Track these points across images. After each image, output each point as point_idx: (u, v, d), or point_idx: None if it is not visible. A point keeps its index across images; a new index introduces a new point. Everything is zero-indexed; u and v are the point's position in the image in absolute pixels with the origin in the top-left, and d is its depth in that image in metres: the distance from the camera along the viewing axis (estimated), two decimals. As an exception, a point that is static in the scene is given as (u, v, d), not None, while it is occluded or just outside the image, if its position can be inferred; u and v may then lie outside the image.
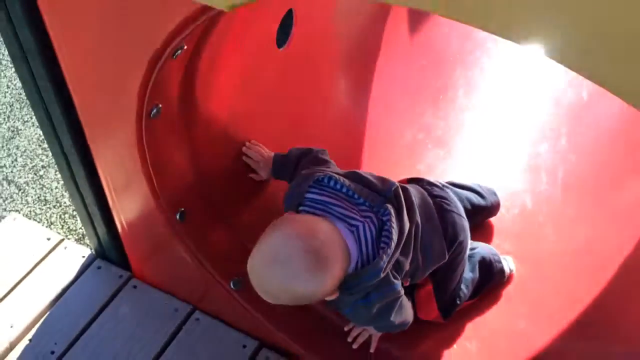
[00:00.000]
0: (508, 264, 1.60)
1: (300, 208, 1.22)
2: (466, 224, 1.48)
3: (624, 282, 1.44)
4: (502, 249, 1.64)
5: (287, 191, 1.30)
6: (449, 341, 1.49)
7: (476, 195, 1.66)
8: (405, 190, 1.31)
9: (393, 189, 1.25)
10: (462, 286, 1.49)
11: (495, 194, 1.72)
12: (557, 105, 1.97)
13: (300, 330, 1.52)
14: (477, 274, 1.52)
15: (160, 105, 1.17)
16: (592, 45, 0.63)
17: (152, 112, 1.16)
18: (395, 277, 1.25)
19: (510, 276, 1.60)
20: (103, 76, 1.18)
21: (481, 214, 1.68)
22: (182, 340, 1.58)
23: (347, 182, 1.24)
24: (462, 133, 1.95)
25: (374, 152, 1.87)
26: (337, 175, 1.25)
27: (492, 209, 1.71)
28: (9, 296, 1.66)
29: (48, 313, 1.63)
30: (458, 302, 1.48)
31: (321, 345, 1.51)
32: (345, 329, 1.48)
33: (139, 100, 1.13)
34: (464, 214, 1.49)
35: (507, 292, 1.58)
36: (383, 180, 1.29)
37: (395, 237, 1.20)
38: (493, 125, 1.97)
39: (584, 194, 1.71)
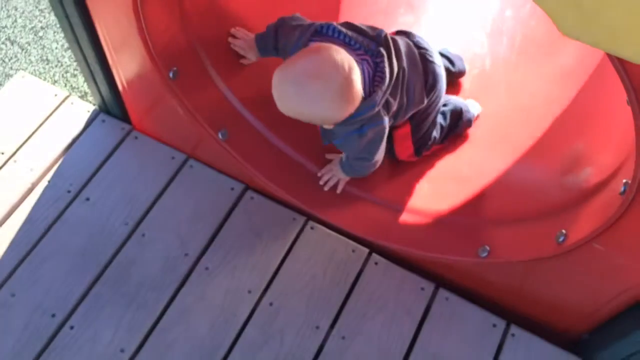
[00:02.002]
0: (475, 107, 1.82)
1: None
2: (444, 74, 1.68)
3: (558, 132, 1.68)
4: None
5: (288, 45, 1.45)
6: (406, 185, 1.75)
7: (446, 61, 1.83)
8: (393, 39, 1.49)
9: (383, 35, 1.44)
10: (435, 130, 1.71)
11: (462, 60, 1.90)
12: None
13: (280, 175, 1.76)
14: (448, 121, 1.74)
15: (152, -26, 1.32)
16: None
17: (145, -21, 1.31)
18: (384, 114, 1.46)
19: (476, 118, 1.82)
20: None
21: (449, 78, 1.83)
22: (179, 182, 1.83)
23: (344, 29, 1.42)
24: (433, -1, 2.08)
25: (350, 17, 2.01)
26: (334, 24, 1.42)
27: (459, 74, 1.89)
28: (25, 144, 1.88)
29: (61, 160, 1.86)
30: (429, 142, 1.71)
31: (297, 187, 1.76)
32: (318, 174, 1.73)
33: (132, -33, 1.28)
34: (442, 66, 1.68)
35: (460, 145, 1.83)
36: (373, 28, 1.47)
37: (387, 75, 1.40)
38: (463, -10, 2.10)
39: (535, 57, 1.90)
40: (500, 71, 1.92)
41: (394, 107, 1.49)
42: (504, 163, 1.68)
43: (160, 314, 1.63)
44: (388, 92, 1.43)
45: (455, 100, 1.79)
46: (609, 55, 0.95)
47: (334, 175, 1.70)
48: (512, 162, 1.67)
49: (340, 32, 1.41)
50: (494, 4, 2.06)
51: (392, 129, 1.67)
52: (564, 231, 1.39)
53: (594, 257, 1.35)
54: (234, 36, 1.68)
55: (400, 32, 1.68)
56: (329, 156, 1.73)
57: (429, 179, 1.75)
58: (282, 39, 1.54)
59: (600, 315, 1.51)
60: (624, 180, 1.21)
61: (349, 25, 1.46)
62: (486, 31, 2.02)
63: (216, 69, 1.65)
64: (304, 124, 1.68)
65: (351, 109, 1.36)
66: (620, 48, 0.84)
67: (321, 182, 1.72)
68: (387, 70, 1.40)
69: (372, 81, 1.40)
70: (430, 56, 1.63)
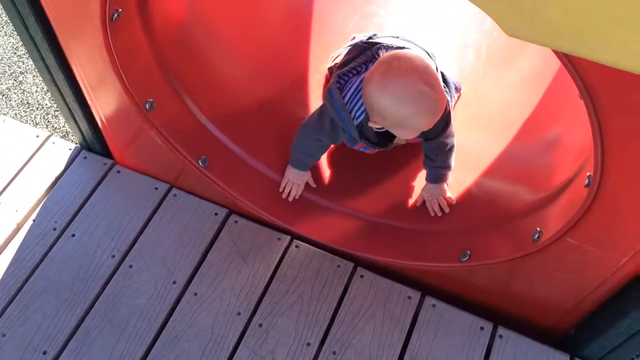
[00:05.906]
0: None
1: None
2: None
3: (526, 135, 1.73)
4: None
5: (328, 113, 1.57)
6: (386, 197, 1.78)
7: None
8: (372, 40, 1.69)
9: (365, 40, 1.65)
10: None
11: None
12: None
13: (261, 197, 1.79)
14: None
15: (120, 10, 1.37)
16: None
17: (114, 16, 1.36)
18: None
19: (459, 92, 1.92)
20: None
21: None
22: (163, 212, 1.86)
23: (346, 68, 1.58)
24: (400, 18, 2.15)
25: (321, 40, 2.07)
26: (338, 76, 1.57)
27: None
28: (10, 186, 1.91)
29: (46, 198, 1.89)
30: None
31: (279, 208, 1.79)
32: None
33: (102, 5, 1.33)
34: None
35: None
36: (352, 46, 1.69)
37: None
38: (428, 10, 2.17)
39: (500, 67, 1.96)
40: (468, 82, 1.97)
41: None
42: (477, 170, 1.73)
43: (151, 342, 1.64)
44: None
45: None
46: (556, 52, 1.00)
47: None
48: (485, 169, 1.71)
49: (349, 71, 1.56)
50: (459, 19, 2.14)
51: None
52: (538, 229, 1.43)
53: (569, 252, 1.39)
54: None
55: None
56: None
57: (408, 190, 1.79)
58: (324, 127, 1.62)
59: (584, 309, 1.54)
60: (588, 174, 1.25)
61: (343, 63, 1.65)
62: (454, 45, 2.08)
63: (191, 98, 1.70)
64: (279, 145, 1.73)
65: None
66: (563, 43, 0.89)
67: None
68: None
69: None
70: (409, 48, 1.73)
